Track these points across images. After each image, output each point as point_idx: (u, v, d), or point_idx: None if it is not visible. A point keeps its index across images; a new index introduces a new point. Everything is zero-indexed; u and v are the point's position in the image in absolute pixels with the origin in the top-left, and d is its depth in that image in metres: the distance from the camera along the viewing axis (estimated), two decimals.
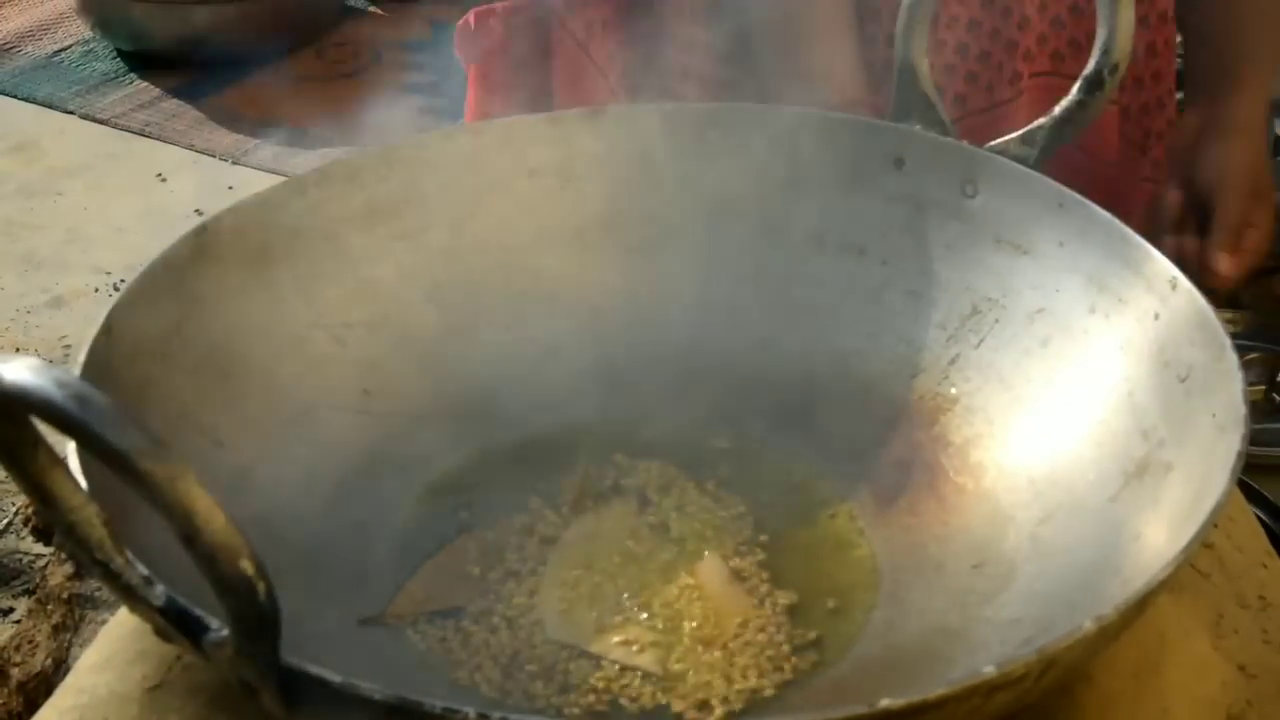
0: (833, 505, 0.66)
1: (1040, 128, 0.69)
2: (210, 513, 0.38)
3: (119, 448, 0.37)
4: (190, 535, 0.38)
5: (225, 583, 0.39)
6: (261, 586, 0.39)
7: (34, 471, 0.43)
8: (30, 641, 0.75)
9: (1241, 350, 0.56)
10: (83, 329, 0.53)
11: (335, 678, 0.42)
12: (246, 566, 0.39)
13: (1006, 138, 0.69)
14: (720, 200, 0.73)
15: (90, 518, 0.44)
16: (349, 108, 2.05)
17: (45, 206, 1.94)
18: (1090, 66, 0.67)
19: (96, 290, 1.75)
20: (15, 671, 0.74)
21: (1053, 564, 0.59)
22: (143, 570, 0.45)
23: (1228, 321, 1.05)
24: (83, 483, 0.46)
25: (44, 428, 0.43)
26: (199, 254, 0.64)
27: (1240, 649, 0.58)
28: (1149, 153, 1.07)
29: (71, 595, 0.75)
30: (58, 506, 0.44)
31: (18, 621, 0.88)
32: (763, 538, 0.64)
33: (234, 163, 2.01)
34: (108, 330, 0.58)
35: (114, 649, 0.56)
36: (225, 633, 0.42)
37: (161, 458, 0.37)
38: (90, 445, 0.37)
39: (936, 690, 0.42)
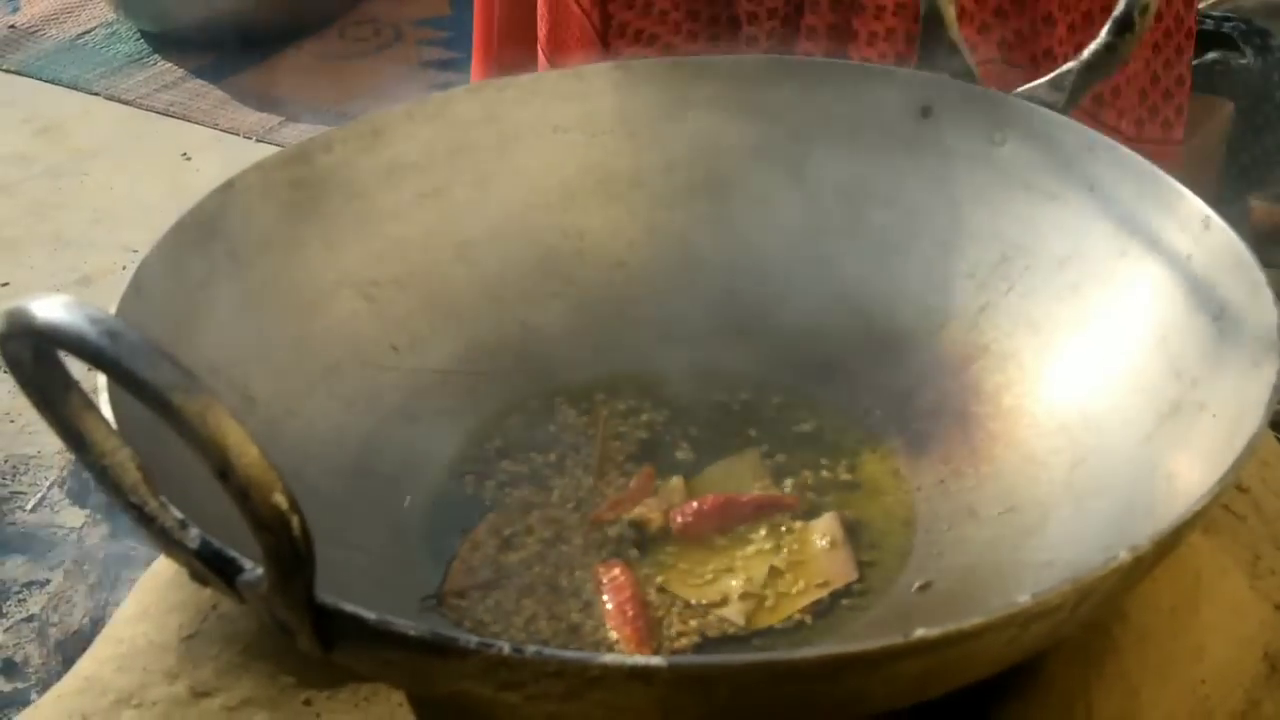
0: (864, 454, 0.65)
1: (1069, 72, 0.68)
2: (243, 446, 0.38)
3: (151, 382, 0.37)
4: (224, 469, 0.38)
5: (260, 517, 0.39)
6: (295, 521, 0.39)
7: (67, 414, 0.43)
8: (68, 601, 0.75)
9: None
10: (111, 307, 0.54)
11: (370, 615, 0.42)
12: (280, 501, 0.39)
13: (1035, 83, 0.69)
14: (745, 153, 0.73)
15: (124, 461, 0.44)
16: (371, 85, 2.05)
17: (72, 187, 1.95)
18: (1120, 7, 0.66)
19: (124, 269, 1.75)
20: (53, 631, 0.75)
21: (1086, 507, 0.58)
22: (177, 514, 0.45)
23: None
24: (115, 426, 0.46)
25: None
26: (225, 211, 0.64)
27: (1277, 589, 0.58)
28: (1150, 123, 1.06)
29: (107, 555, 0.75)
30: (91, 450, 0.44)
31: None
32: (796, 488, 0.63)
33: (258, 141, 2.01)
34: (136, 287, 0.58)
35: (150, 599, 0.56)
36: (260, 572, 0.42)
37: (193, 391, 0.37)
38: (122, 380, 0.37)
39: (973, 620, 0.41)
